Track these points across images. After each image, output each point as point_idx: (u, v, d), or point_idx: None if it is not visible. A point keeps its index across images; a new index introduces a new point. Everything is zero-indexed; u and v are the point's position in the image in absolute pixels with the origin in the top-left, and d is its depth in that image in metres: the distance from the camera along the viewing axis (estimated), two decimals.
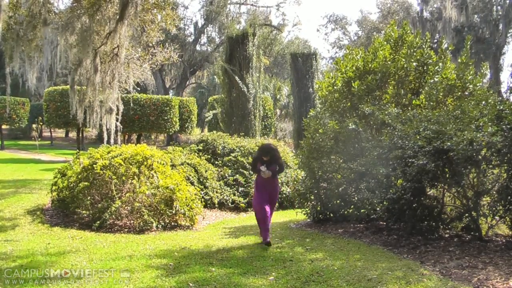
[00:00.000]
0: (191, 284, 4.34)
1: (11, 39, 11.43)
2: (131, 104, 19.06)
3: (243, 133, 14.49)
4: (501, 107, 5.49)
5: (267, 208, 6.08)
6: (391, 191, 5.84)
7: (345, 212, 7.27)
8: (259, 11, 34.35)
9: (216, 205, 9.68)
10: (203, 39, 35.10)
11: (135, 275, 4.67)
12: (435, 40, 28.68)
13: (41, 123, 22.89)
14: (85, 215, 7.61)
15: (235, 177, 10.34)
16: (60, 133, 35.33)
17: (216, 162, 10.85)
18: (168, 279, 4.53)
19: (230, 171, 10.56)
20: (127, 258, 5.33)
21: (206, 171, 10.04)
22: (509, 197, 5.16)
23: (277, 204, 10.07)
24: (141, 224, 7.18)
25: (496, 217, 5.57)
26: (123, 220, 7.56)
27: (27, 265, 4.97)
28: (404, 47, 7.52)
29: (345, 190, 7.20)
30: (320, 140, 7.22)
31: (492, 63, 30.41)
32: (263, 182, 6.21)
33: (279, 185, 7.22)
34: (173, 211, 7.48)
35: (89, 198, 7.49)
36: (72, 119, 16.68)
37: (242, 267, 4.95)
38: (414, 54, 7.31)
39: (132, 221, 7.42)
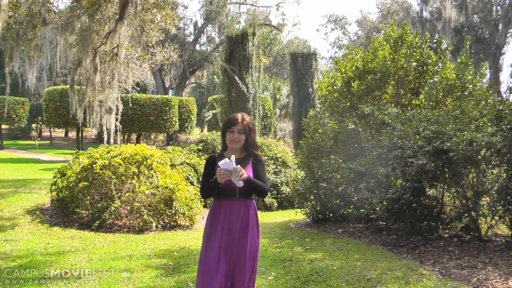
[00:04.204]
0: (190, 284, 4.34)
1: (11, 38, 11.43)
2: (130, 104, 19.07)
3: None
4: (501, 107, 5.49)
5: None
6: (390, 191, 5.84)
7: (345, 212, 7.27)
8: (259, 11, 34.37)
9: None
10: (203, 39, 35.10)
11: (135, 275, 4.67)
12: (435, 40, 28.66)
13: (40, 123, 22.88)
14: (85, 215, 7.61)
15: None
16: (59, 132, 35.31)
17: None
18: (168, 279, 4.53)
19: None
20: (127, 258, 5.33)
21: None
22: (508, 197, 5.16)
23: (276, 204, 10.14)
24: (141, 224, 7.18)
25: (495, 217, 5.56)
26: (123, 220, 7.56)
27: (27, 265, 4.97)
28: (404, 47, 7.52)
29: (345, 190, 7.20)
30: (320, 140, 7.22)
31: (491, 63, 30.43)
32: (224, 213, 2.95)
33: (256, 209, 3.09)
34: (173, 211, 7.47)
35: (88, 198, 7.49)
36: (71, 118, 16.72)
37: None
38: (414, 54, 7.30)
39: (131, 221, 7.42)
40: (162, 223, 7.46)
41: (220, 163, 2.82)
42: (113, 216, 7.25)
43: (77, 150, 12.99)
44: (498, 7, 31.20)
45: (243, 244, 2.91)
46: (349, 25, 45.70)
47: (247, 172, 2.87)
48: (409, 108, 7.20)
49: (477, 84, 7.02)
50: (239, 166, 2.83)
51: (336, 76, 7.86)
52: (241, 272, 2.90)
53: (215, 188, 2.90)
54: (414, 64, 7.24)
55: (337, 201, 7.25)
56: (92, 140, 30.24)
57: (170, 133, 23.61)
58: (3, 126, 25.97)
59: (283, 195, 10.18)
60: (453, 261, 4.81)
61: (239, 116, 3.05)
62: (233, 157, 2.85)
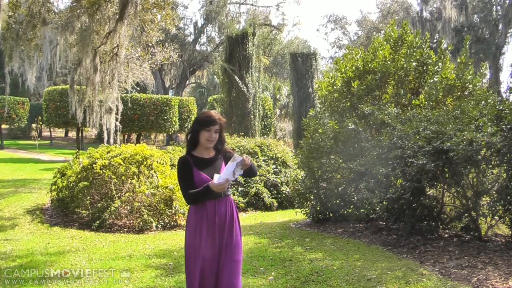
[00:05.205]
0: None
1: (10, 38, 11.43)
2: (130, 104, 19.11)
3: (242, 133, 14.48)
4: (501, 107, 5.49)
5: None
6: (390, 191, 5.84)
7: (345, 212, 7.27)
8: (259, 10, 34.44)
9: None
10: (203, 38, 35.16)
11: (135, 274, 4.67)
12: (435, 40, 28.69)
13: (40, 123, 22.88)
14: (85, 214, 7.62)
15: None
16: (59, 132, 35.33)
17: None
18: (168, 278, 4.53)
19: None
20: (127, 258, 5.33)
21: None
22: (508, 197, 5.16)
23: (276, 204, 10.14)
24: (141, 223, 7.18)
25: (495, 217, 5.56)
26: (123, 219, 7.56)
27: (27, 264, 4.97)
28: (404, 47, 7.52)
29: (345, 190, 7.20)
30: (320, 140, 7.22)
31: (491, 63, 30.46)
32: (212, 214, 2.94)
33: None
34: (173, 211, 7.47)
35: (88, 197, 7.49)
36: (71, 118, 16.73)
37: (241, 267, 4.95)
38: (414, 54, 7.30)
39: (131, 221, 7.42)
40: (162, 223, 7.46)
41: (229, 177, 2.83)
42: (113, 216, 7.25)
43: (77, 150, 13.01)
44: (498, 7, 31.24)
45: (234, 238, 3.02)
46: (349, 25, 45.83)
47: (222, 168, 2.98)
48: (409, 108, 7.19)
49: (477, 84, 7.01)
50: (244, 155, 2.93)
51: (336, 76, 7.86)
52: (230, 263, 3.00)
53: (208, 195, 2.89)
54: (414, 64, 7.24)
55: (337, 201, 7.25)
56: (92, 140, 30.25)
57: (170, 133, 23.62)
58: (3, 126, 25.97)
59: (283, 195, 10.17)
60: (453, 261, 4.81)
61: (215, 115, 3.04)
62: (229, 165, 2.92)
